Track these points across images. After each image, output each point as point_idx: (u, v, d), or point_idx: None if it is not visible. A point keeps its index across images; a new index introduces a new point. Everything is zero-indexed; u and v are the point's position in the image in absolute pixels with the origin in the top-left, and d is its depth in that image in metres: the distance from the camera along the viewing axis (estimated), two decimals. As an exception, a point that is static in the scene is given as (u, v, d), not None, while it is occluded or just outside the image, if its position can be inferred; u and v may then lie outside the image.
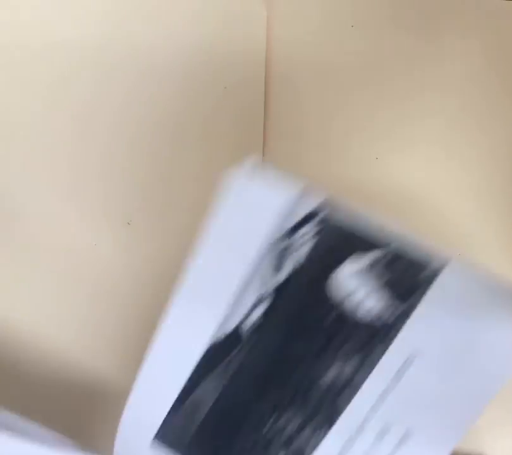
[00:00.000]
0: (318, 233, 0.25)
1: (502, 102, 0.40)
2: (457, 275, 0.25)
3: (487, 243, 0.38)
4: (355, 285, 0.26)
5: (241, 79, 0.40)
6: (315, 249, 0.26)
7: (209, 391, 0.29)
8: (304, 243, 0.26)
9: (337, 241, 0.25)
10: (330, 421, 0.28)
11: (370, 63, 0.41)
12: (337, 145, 0.40)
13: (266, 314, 0.27)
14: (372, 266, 0.26)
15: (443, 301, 0.26)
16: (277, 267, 0.26)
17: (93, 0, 0.40)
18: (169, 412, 0.30)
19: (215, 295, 0.27)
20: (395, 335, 0.27)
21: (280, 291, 0.27)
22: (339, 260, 0.26)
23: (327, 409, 0.28)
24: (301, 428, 0.29)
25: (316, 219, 0.25)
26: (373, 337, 0.27)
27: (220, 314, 0.28)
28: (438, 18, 0.41)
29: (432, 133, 0.40)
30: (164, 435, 0.31)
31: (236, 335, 0.28)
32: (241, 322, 0.28)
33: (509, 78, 0.40)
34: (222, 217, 0.26)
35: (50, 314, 0.38)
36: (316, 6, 0.41)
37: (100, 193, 0.39)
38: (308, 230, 0.26)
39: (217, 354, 0.29)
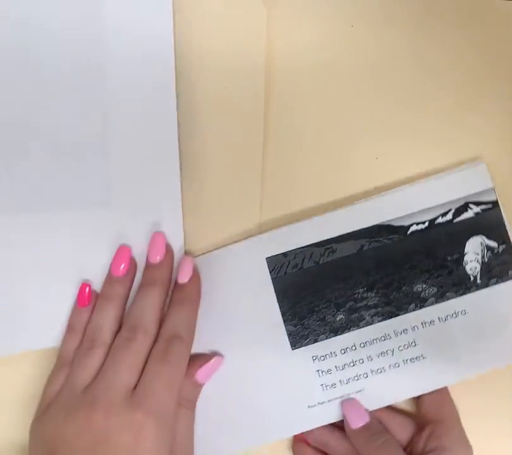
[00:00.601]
0: (486, 210, 0.40)
1: (502, 101, 0.41)
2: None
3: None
4: (474, 250, 0.40)
5: (241, 78, 0.40)
6: (478, 217, 0.40)
7: (341, 251, 0.39)
8: (476, 211, 0.40)
9: (490, 222, 0.40)
10: (389, 315, 0.39)
11: (370, 63, 0.41)
12: (337, 144, 0.40)
13: (428, 228, 0.39)
14: (488, 247, 0.40)
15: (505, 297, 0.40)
16: (456, 213, 0.40)
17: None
18: (301, 249, 0.39)
19: (435, 194, 0.39)
20: (465, 293, 0.40)
21: (448, 223, 0.40)
22: (482, 232, 0.40)
23: (394, 307, 0.39)
24: (368, 308, 0.39)
25: (489, 205, 0.40)
26: (457, 284, 0.40)
27: (421, 207, 0.39)
28: (438, 18, 0.41)
29: (432, 133, 0.41)
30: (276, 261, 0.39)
31: (405, 229, 0.39)
32: (414, 224, 0.39)
33: (509, 77, 0.41)
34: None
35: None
36: (317, 6, 0.40)
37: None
38: (483, 206, 0.40)
39: (378, 231, 0.39)
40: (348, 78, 0.41)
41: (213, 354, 0.38)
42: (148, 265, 0.38)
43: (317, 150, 0.40)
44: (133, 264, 0.38)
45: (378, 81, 0.41)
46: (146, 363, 0.34)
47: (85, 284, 0.37)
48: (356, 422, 0.37)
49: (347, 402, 0.38)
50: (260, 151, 0.40)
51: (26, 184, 0.38)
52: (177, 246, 0.39)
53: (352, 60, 0.41)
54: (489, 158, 0.41)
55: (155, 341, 0.35)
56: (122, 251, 0.38)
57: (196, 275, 0.38)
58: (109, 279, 0.38)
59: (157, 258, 0.37)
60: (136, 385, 0.34)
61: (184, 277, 0.37)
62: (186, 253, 0.39)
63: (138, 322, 0.35)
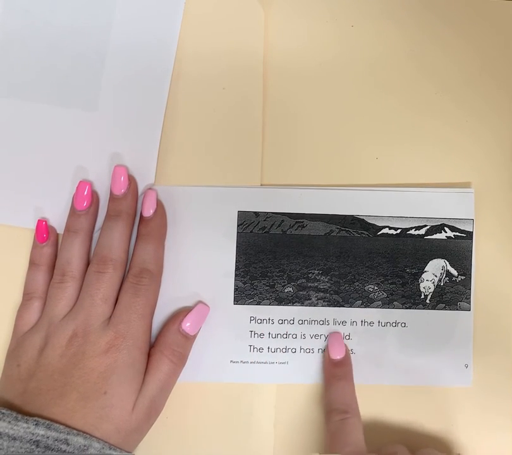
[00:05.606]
0: (459, 238, 0.41)
1: (502, 101, 0.42)
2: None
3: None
4: (434, 271, 0.42)
5: (240, 79, 0.40)
6: (449, 242, 0.41)
7: (310, 229, 0.40)
8: (449, 236, 0.42)
9: (458, 250, 0.41)
10: (334, 304, 0.40)
11: (370, 63, 0.41)
12: (338, 145, 0.41)
13: (398, 235, 0.41)
14: (448, 273, 0.42)
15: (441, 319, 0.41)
16: (430, 231, 0.41)
17: None
18: (273, 213, 0.40)
19: (418, 206, 0.41)
20: (411, 308, 0.41)
21: (419, 237, 0.41)
22: (447, 257, 0.42)
23: (341, 298, 0.40)
24: (317, 290, 0.40)
25: (464, 234, 0.42)
26: (406, 297, 0.41)
27: (399, 214, 0.41)
28: (438, 18, 0.41)
29: (432, 133, 0.41)
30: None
31: (376, 229, 0.41)
32: (387, 227, 0.41)
33: (509, 77, 0.42)
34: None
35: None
36: (316, 6, 0.41)
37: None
38: (457, 233, 0.42)
39: (351, 222, 0.41)
40: (347, 78, 0.41)
41: (197, 303, 0.39)
42: (112, 197, 0.38)
43: (317, 150, 0.41)
44: (95, 197, 0.39)
45: (377, 81, 0.41)
46: (119, 294, 0.37)
47: (41, 220, 0.39)
48: (335, 354, 0.39)
49: (334, 334, 0.40)
50: (260, 150, 0.40)
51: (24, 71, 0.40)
52: (149, 174, 0.40)
53: (351, 60, 0.41)
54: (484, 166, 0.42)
55: (125, 271, 0.38)
56: (83, 185, 0.38)
57: (160, 209, 0.39)
58: (73, 213, 0.38)
59: (120, 190, 0.38)
60: (110, 315, 0.36)
61: (148, 211, 0.38)
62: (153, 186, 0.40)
63: (106, 255, 0.37)
